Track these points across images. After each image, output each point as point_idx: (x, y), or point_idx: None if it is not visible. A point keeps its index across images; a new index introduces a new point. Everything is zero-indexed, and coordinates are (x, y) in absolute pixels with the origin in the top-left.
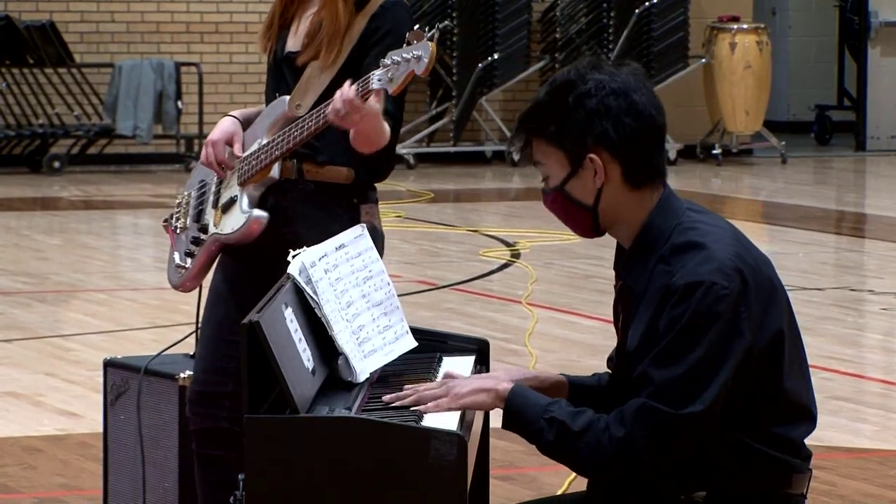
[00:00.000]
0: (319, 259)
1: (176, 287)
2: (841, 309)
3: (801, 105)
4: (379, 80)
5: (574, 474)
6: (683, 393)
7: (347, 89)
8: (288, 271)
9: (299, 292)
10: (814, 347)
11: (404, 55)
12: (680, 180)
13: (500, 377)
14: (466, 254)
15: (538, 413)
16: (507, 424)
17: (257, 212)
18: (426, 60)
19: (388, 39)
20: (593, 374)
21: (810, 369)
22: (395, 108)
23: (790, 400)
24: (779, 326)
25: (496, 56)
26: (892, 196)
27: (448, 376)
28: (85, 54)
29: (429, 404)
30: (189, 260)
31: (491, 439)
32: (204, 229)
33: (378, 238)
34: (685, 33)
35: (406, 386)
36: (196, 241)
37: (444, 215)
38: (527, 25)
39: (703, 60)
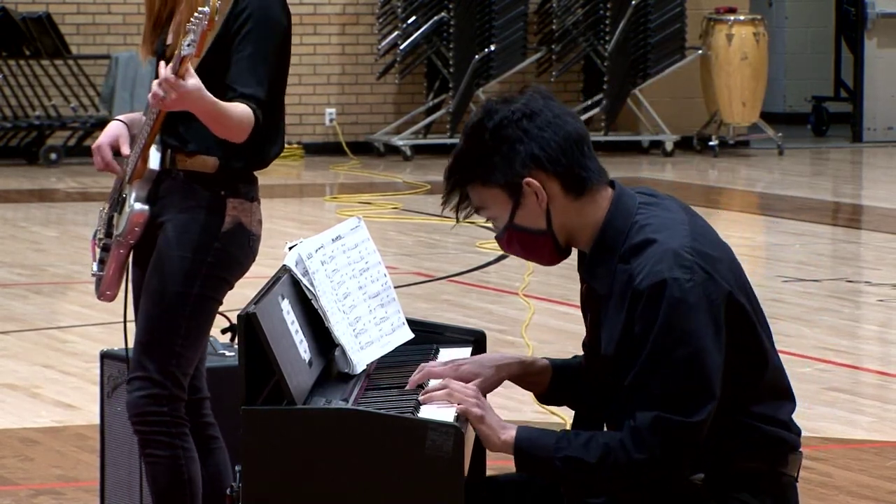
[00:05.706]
0: (316, 250)
1: (98, 297)
2: (837, 300)
3: (797, 96)
4: (188, 46)
5: None
6: (689, 395)
7: (163, 69)
8: (284, 263)
9: (296, 284)
10: (810, 339)
11: (197, 16)
12: (677, 172)
13: (505, 426)
14: (463, 245)
15: (550, 454)
16: (520, 469)
17: (137, 205)
18: (209, 15)
19: (250, 24)
20: (574, 357)
21: (807, 361)
22: (265, 91)
23: (776, 377)
24: (749, 301)
25: (493, 47)
26: (889, 187)
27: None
28: (82, 46)
29: (458, 406)
30: (103, 267)
31: None
32: (110, 234)
33: (244, 236)
34: (682, 24)
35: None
36: (106, 248)
37: (440, 207)
38: (523, 17)
39: (700, 52)
